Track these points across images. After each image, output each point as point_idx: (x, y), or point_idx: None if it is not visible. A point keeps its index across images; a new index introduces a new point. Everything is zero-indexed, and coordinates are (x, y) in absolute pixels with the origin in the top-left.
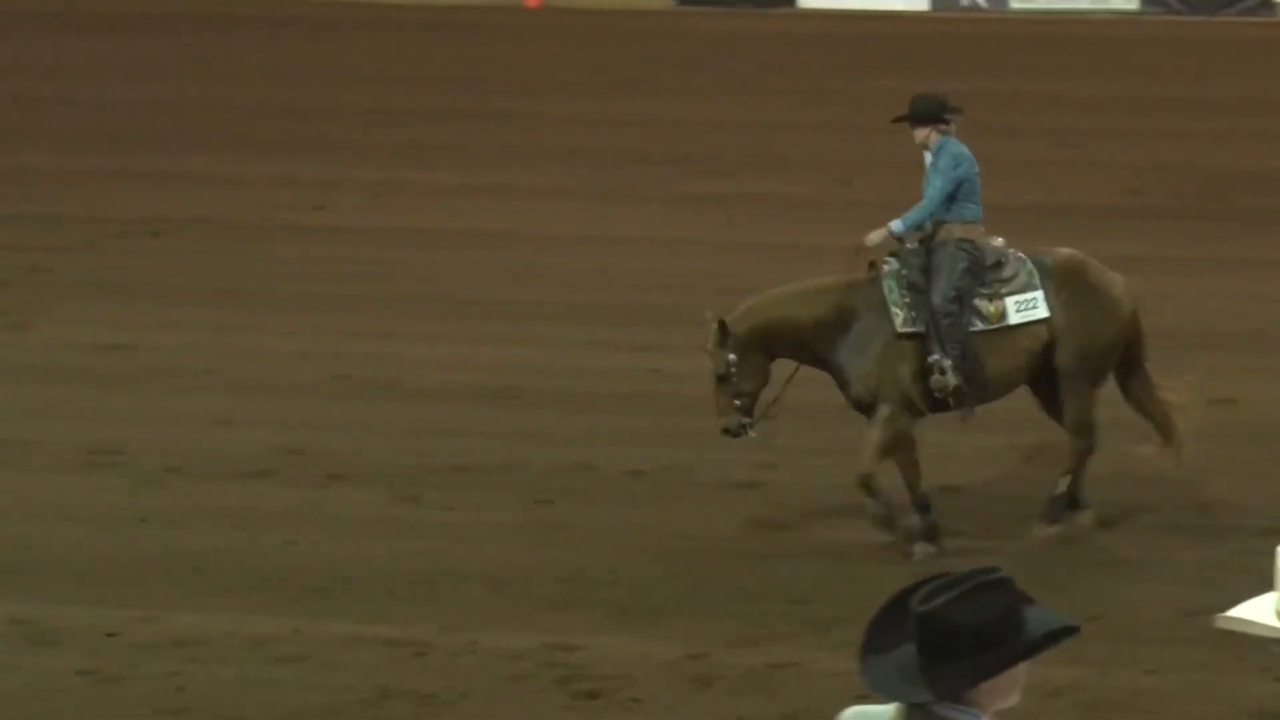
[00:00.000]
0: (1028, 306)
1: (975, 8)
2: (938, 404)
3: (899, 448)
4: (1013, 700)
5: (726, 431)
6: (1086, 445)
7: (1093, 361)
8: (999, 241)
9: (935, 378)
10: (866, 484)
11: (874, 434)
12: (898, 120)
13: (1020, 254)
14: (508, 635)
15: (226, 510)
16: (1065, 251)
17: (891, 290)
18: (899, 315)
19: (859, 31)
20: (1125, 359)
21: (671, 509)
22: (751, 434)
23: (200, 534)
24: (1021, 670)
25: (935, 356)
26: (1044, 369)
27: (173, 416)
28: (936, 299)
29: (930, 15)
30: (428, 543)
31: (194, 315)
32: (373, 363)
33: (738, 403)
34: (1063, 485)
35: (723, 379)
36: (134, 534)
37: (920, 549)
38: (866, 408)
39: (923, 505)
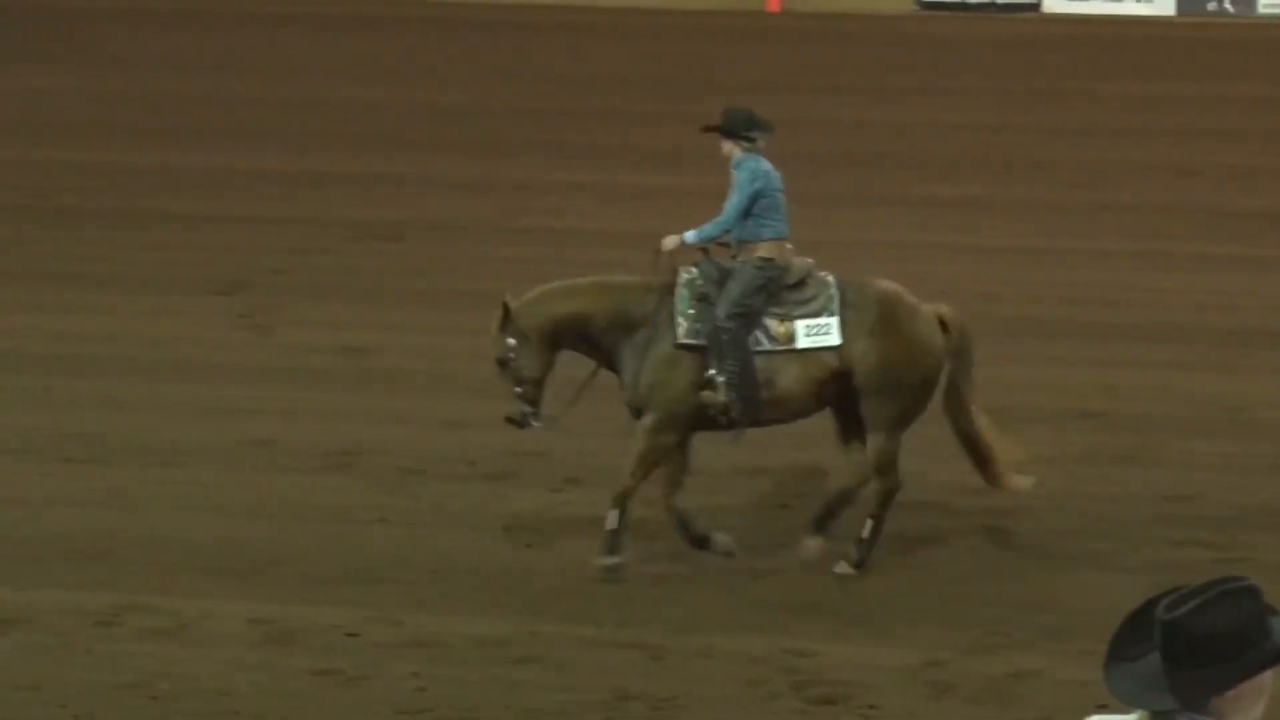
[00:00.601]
0: (819, 332)
1: (1222, 12)
2: (709, 421)
3: (661, 460)
4: (1258, 711)
5: (510, 420)
6: (890, 485)
7: (895, 400)
8: (808, 262)
9: (705, 393)
10: (620, 500)
11: (636, 445)
12: (707, 130)
13: (829, 278)
14: (744, 639)
15: (464, 512)
16: (880, 283)
17: (682, 299)
18: (682, 325)
19: (1103, 36)
20: (948, 394)
21: (907, 516)
22: (535, 425)
23: (438, 536)
24: (1267, 679)
25: (711, 371)
26: (838, 398)
27: (411, 418)
28: (720, 312)
29: (1176, 20)
30: (663, 545)
31: (432, 318)
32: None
33: (518, 390)
34: (868, 528)
35: (502, 364)
36: (373, 535)
37: (722, 543)
38: (639, 413)
39: (681, 523)
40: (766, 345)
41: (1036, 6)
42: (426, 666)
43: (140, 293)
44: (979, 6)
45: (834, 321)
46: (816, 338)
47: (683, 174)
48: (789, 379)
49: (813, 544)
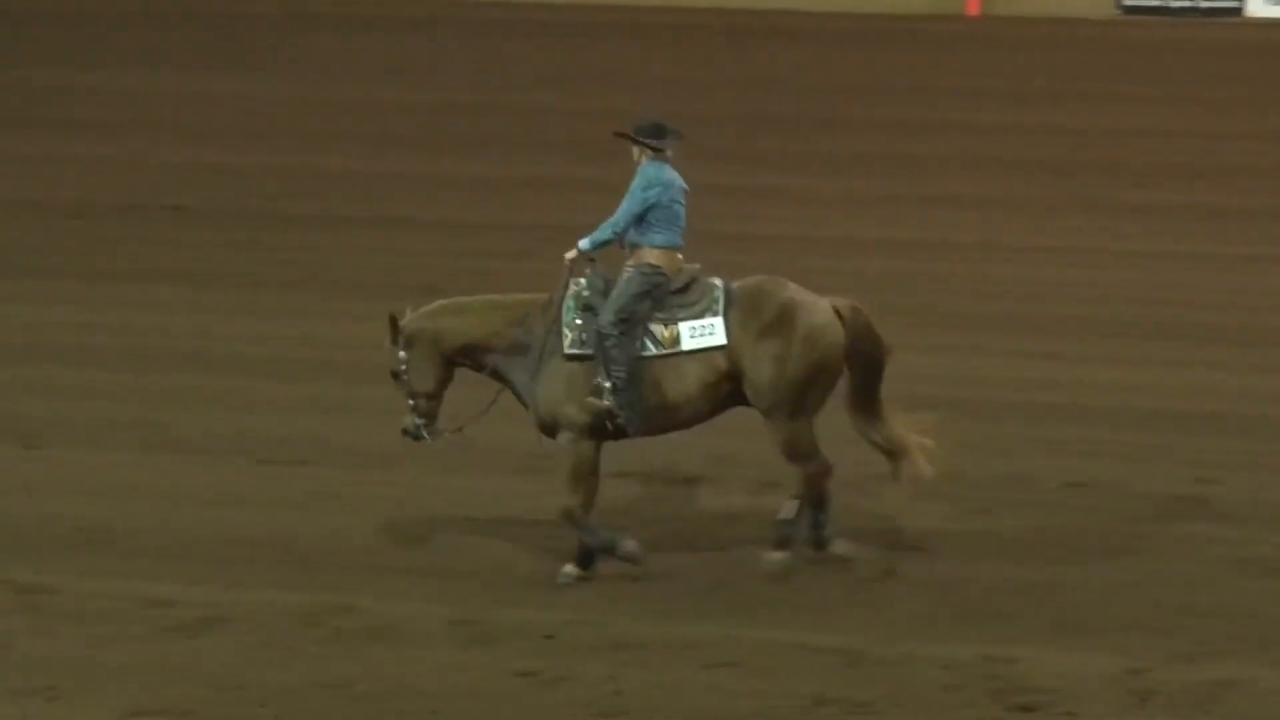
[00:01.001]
0: (704, 332)
1: None
2: (615, 429)
3: (591, 471)
4: None
5: (405, 432)
6: (813, 469)
7: (785, 393)
8: (694, 268)
9: (589, 399)
10: (570, 519)
11: (562, 465)
12: (617, 134)
13: (715, 281)
14: (943, 645)
15: (661, 516)
16: (759, 279)
17: (569, 311)
18: (568, 336)
19: None
20: (852, 388)
21: (1108, 522)
22: (427, 438)
23: (636, 539)
24: None
25: (598, 379)
26: (735, 399)
27: None
28: (603, 319)
29: None
30: (865, 549)
31: None
32: None
33: (411, 403)
34: (787, 510)
35: (395, 376)
36: (571, 538)
37: (570, 571)
38: (548, 431)
39: (587, 528)
40: (653, 350)
41: (1239, 11)
42: (623, 669)
43: (338, 296)
44: (1180, 11)
45: (718, 321)
46: (702, 338)
47: (898, 181)
48: (678, 382)
49: (842, 546)
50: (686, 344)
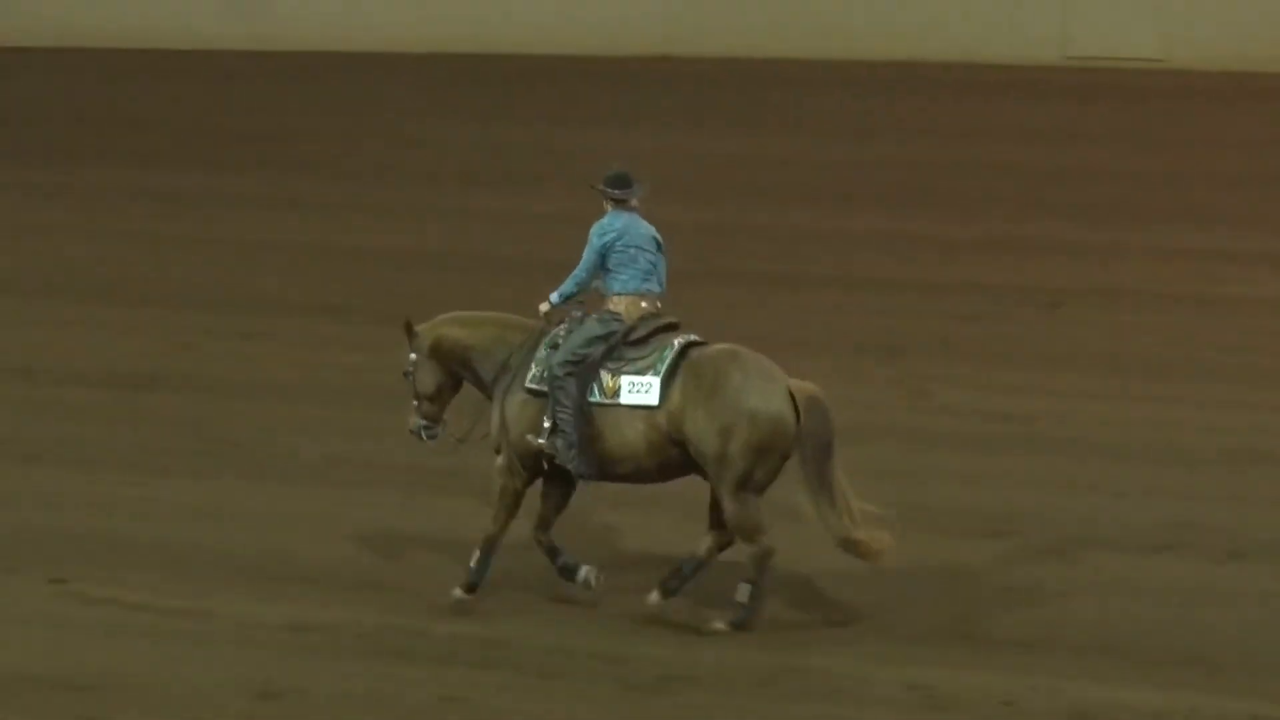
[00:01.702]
0: (639, 390)
1: None
2: (553, 468)
3: (515, 502)
4: None
5: (412, 432)
6: (757, 550)
7: (730, 466)
8: (660, 321)
9: (528, 436)
10: (485, 544)
11: (493, 485)
12: (591, 187)
13: (675, 340)
14: None
15: (1123, 581)
16: (719, 347)
17: (542, 347)
18: (532, 370)
19: None
20: (803, 472)
21: None
22: (426, 440)
23: (1098, 603)
24: None
25: (545, 417)
26: (692, 464)
27: (1067, 485)
28: (555, 360)
29: None
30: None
31: (1093, 384)
32: (1271, 436)
33: (415, 403)
34: (742, 593)
35: (405, 376)
36: (1043, 601)
37: (587, 576)
38: (497, 452)
39: (486, 556)
40: (596, 397)
41: None
42: None
43: (791, 353)
44: None
45: (655, 381)
46: (637, 395)
47: None
48: (617, 433)
49: (653, 597)
50: (624, 398)
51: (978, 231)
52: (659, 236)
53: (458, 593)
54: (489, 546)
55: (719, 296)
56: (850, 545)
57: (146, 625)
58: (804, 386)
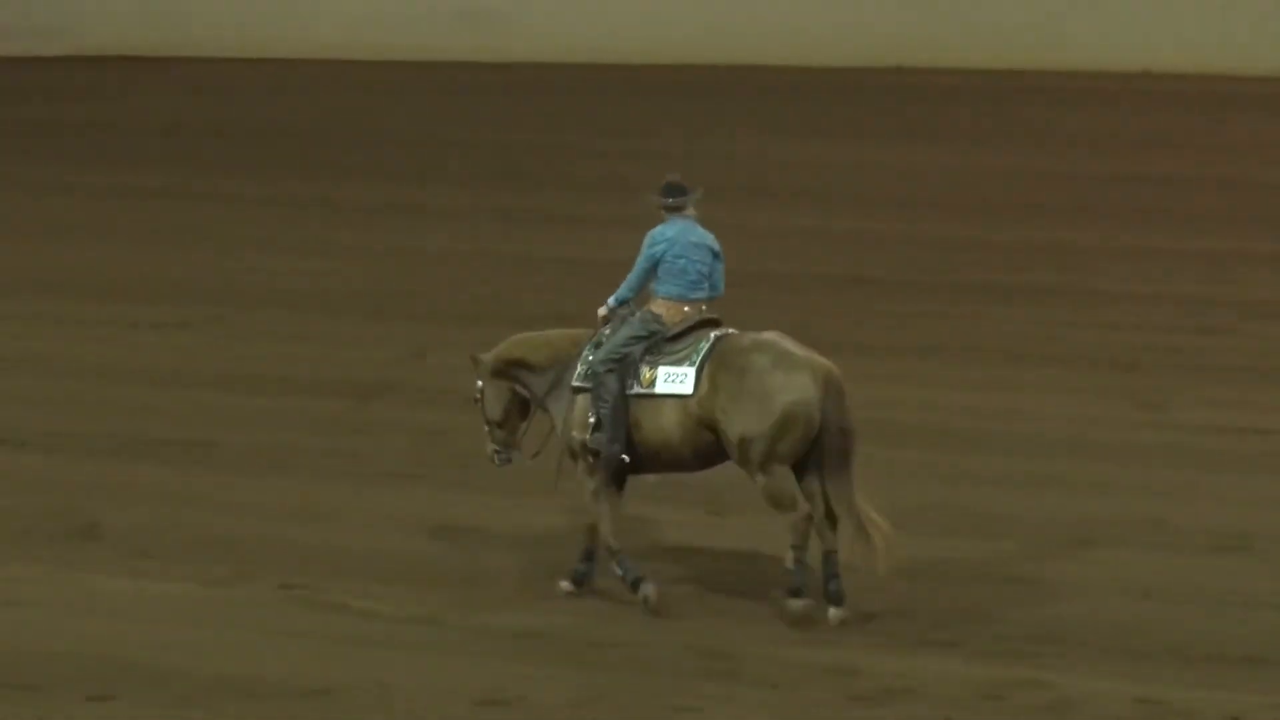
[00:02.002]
0: (675, 380)
1: None
2: (620, 466)
3: (595, 499)
4: None
5: (489, 457)
6: (793, 518)
7: (750, 448)
8: (701, 316)
9: (575, 432)
10: (607, 550)
11: (584, 491)
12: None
13: (712, 333)
14: None
15: None
16: (751, 336)
17: (590, 348)
18: (579, 370)
19: None
20: (819, 458)
21: None
22: (500, 465)
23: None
24: None
25: (589, 413)
26: (718, 447)
27: None
28: (595, 357)
29: None
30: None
31: None
32: None
33: (486, 429)
34: (789, 559)
35: (475, 403)
36: (1264, 618)
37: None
38: (574, 459)
39: (620, 560)
40: (637, 389)
41: None
42: None
43: (1019, 366)
44: None
45: (691, 371)
46: (671, 384)
47: None
48: (653, 423)
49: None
50: (660, 387)
51: (1210, 244)
52: (715, 245)
53: (647, 592)
54: (611, 552)
55: (957, 307)
56: (856, 542)
57: (374, 632)
58: (821, 365)
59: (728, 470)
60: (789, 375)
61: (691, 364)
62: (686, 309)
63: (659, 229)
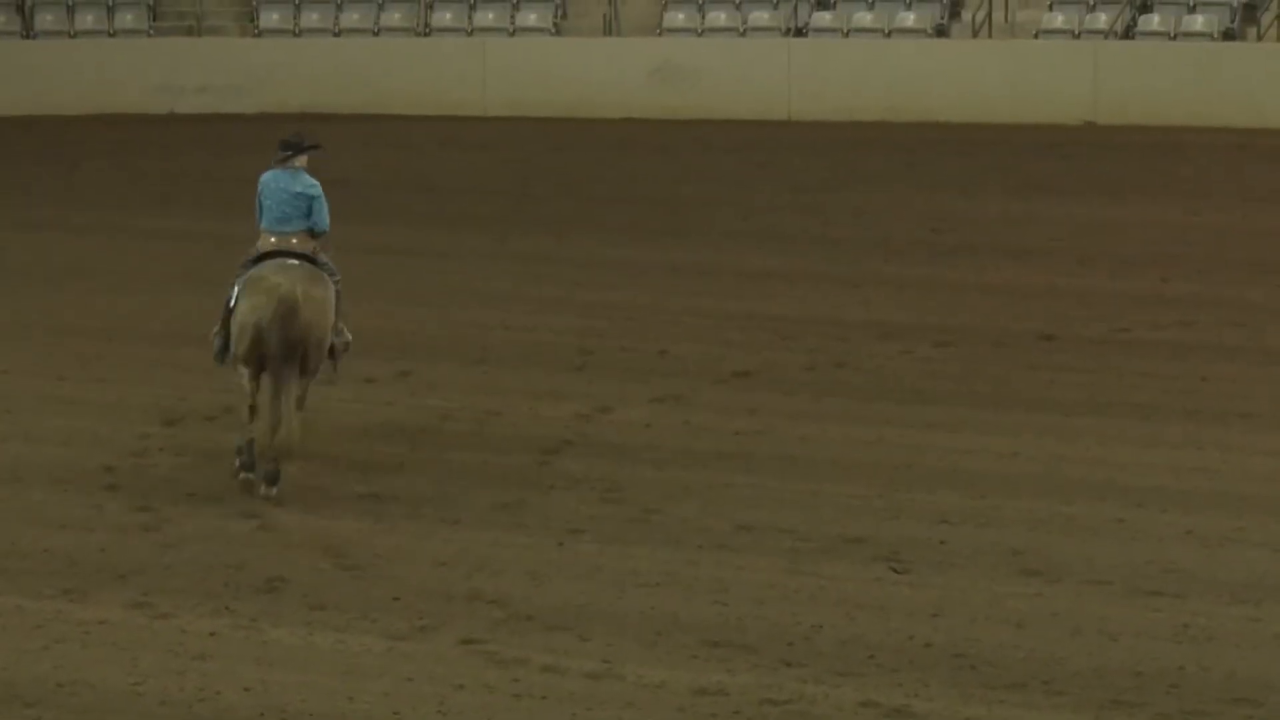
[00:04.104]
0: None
1: None
2: None
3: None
4: None
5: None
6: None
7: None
8: (281, 249)
9: None
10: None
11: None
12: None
13: (271, 261)
14: None
15: None
16: (267, 266)
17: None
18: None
19: None
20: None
21: None
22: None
23: None
24: None
25: None
26: None
27: None
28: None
29: None
30: None
31: None
32: None
33: None
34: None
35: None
36: None
37: None
38: None
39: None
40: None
41: None
42: None
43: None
44: None
45: (233, 291)
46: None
47: None
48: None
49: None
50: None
51: None
52: (306, 189)
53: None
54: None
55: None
56: (274, 429)
57: (553, 687)
58: (279, 288)
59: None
60: (249, 299)
61: (237, 284)
62: (273, 240)
63: (263, 175)
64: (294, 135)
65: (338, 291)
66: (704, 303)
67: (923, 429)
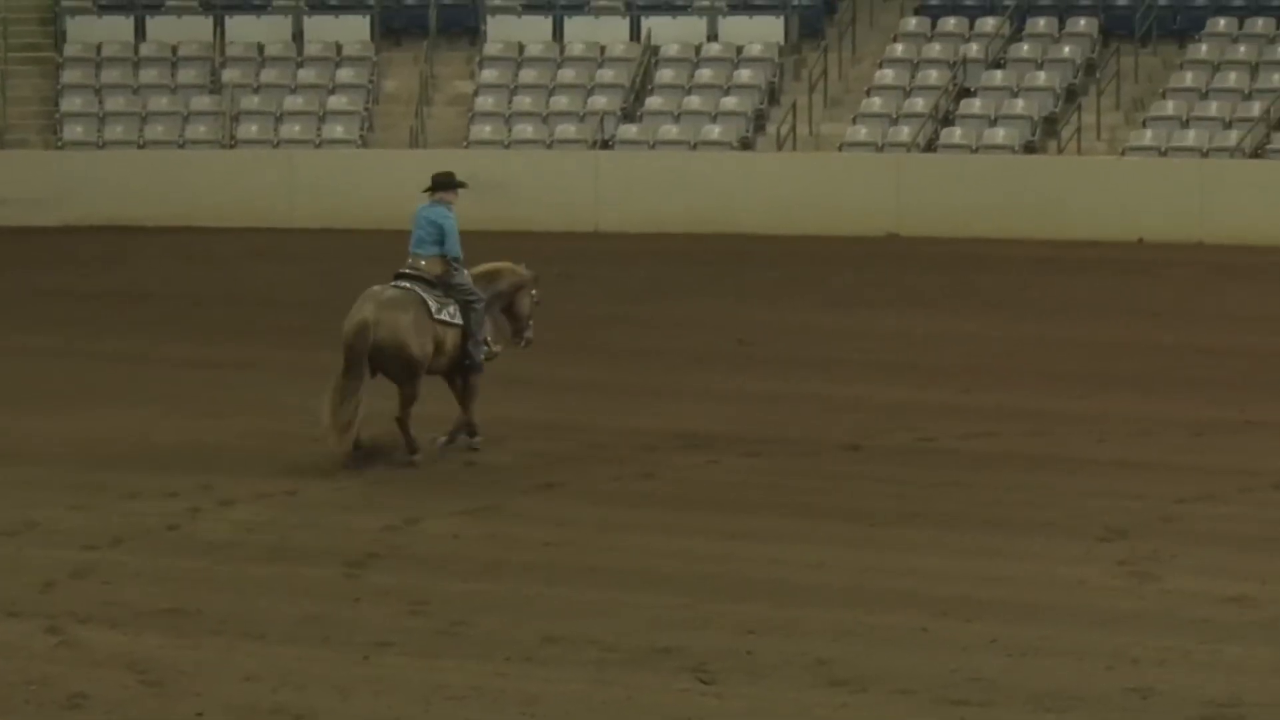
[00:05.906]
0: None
1: None
2: None
3: None
4: None
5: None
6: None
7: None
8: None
9: None
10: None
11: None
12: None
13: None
14: None
15: None
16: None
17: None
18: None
19: None
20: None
21: None
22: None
23: None
24: None
25: None
26: None
27: None
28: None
29: None
30: None
31: None
32: None
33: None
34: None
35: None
36: None
37: None
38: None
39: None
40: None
41: None
42: None
43: (1037, 536)
44: None
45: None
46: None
47: None
48: None
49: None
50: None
51: (1194, 413)
52: (441, 219)
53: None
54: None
55: (955, 479)
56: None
57: None
58: (359, 315)
59: None
60: (349, 313)
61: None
62: (409, 261)
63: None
64: (442, 173)
65: (475, 311)
66: (513, 412)
67: (730, 539)
